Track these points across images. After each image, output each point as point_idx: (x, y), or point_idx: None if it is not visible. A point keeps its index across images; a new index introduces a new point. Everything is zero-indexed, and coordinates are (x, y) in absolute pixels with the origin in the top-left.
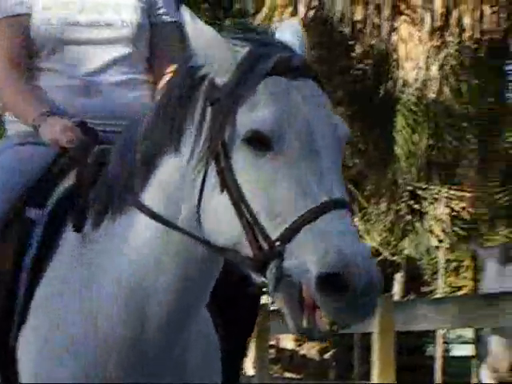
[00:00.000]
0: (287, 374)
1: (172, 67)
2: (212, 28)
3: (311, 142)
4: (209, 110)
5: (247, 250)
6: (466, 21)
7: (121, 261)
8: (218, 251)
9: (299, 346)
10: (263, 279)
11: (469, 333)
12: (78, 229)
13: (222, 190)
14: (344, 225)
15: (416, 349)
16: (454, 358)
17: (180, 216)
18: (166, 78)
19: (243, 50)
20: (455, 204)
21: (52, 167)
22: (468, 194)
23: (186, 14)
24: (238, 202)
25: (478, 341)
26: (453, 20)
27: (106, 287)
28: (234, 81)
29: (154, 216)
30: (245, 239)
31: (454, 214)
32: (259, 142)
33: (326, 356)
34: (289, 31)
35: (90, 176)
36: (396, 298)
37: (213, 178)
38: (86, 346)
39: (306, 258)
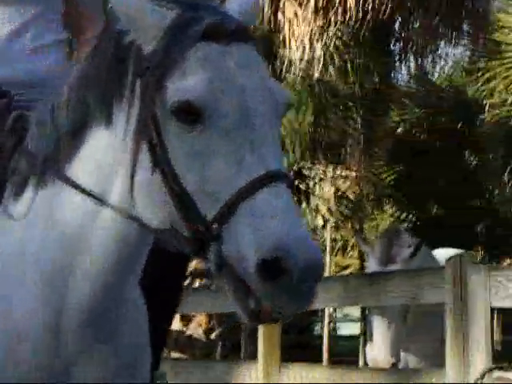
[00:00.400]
0: (174, 355)
1: (93, 30)
2: None
3: (245, 110)
4: (138, 81)
5: (183, 231)
6: (350, 0)
7: (42, 237)
8: (155, 232)
9: (185, 326)
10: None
11: (356, 312)
12: None
13: (154, 170)
14: (282, 201)
15: (304, 328)
16: (341, 336)
17: (111, 194)
18: (89, 41)
19: (171, 14)
20: (341, 183)
21: None
22: (353, 174)
23: None
24: (170, 181)
25: (364, 319)
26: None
27: (24, 266)
28: (161, 48)
29: (81, 190)
30: (180, 220)
31: (340, 193)
32: (188, 113)
33: (213, 336)
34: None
35: (8, 144)
36: None
37: (144, 156)
38: None
39: (243, 243)
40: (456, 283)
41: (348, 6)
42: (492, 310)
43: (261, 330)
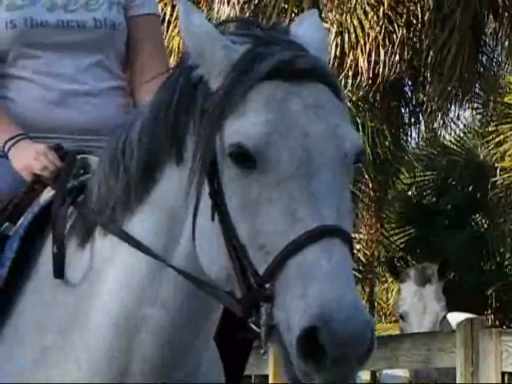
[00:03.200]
0: None
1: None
2: (208, 22)
3: (305, 158)
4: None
5: (237, 289)
6: (361, 63)
7: (111, 286)
8: (207, 290)
9: None
10: (253, 325)
11: (366, 374)
12: (60, 256)
13: (213, 217)
14: (332, 261)
15: None
16: None
17: (181, 240)
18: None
19: (241, 49)
20: None
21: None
22: (365, 236)
23: (181, 6)
24: (227, 230)
25: (374, 383)
26: (348, 61)
27: (91, 320)
28: (225, 85)
29: (144, 250)
30: (235, 274)
31: None
32: (243, 158)
33: None
34: (306, 25)
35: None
36: None
37: (205, 200)
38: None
39: (290, 309)
40: (467, 347)
41: (359, 68)
42: (503, 374)
43: None
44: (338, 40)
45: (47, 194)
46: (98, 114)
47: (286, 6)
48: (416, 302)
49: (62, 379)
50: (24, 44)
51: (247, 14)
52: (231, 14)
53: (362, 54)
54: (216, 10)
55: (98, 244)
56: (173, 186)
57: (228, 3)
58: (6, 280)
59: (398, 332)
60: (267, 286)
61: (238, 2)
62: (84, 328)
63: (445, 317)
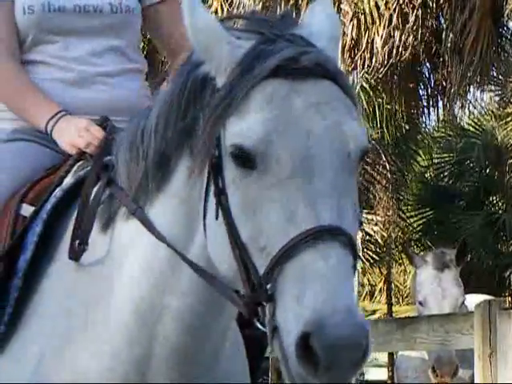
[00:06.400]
0: None
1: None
2: (214, 18)
3: (306, 158)
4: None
5: (242, 288)
6: (377, 44)
7: (131, 274)
8: (217, 287)
9: None
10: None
11: (383, 356)
12: (81, 240)
13: (217, 216)
14: (329, 262)
15: None
16: (368, 381)
17: (195, 239)
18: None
19: (247, 45)
20: (368, 227)
21: (49, 167)
22: (381, 218)
23: (186, 2)
24: (230, 230)
25: (392, 364)
26: (363, 43)
27: (112, 306)
28: (228, 84)
29: (164, 241)
30: (238, 274)
31: (367, 238)
32: (244, 158)
33: None
34: (318, 13)
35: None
36: None
37: (211, 200)
38: (89, 373)
39: (288, 312)
40: (485, 329)
41: (375, 49)
42: None
43: None
44: (354, 21)
45: (71, 176)
46: (117, 94)
47: None
48: (435, 287)
49: (88, 364)
50: (42, 29)
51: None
52: (249, 2)
53: (378, 35)
54: None
55: (120, 228)
56: (186, 179)
57: None
58: (30, 263)
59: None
60: (268, 286)
61: None
62: (105, 315)
63: (463, 302)
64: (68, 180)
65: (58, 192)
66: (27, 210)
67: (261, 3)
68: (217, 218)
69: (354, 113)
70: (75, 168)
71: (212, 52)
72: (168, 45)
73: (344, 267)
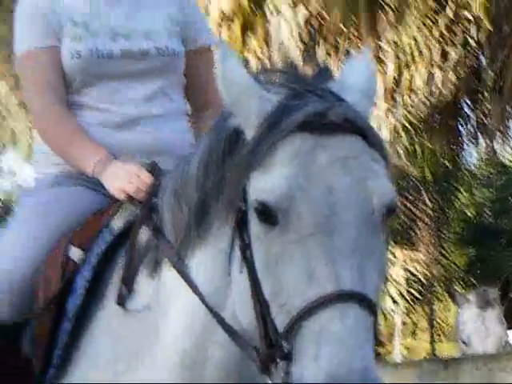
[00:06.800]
0: None
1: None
2: (244, 69)
3: (327, 215)
4: None
5: (259, 344)
6: (418, 82)
7: (174, 333)
8: (236, 341)
9: None
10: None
11: None
12: (128, 286)
13: (241, 270)
14: (346, 324)
15: None
16: None
17: (228, 291)
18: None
19: (275, 100)
20: (411, 266)
21: (98, 211)
22: (424, 256)
23: (219, 53)
24: (253, 285)
25: None
26: (404, 82)
27: (159, 354)
28: (255, 138)
29: (200, 297)
30: (257, 329)
31: (410, 276)
32: (267, 214)
33: None
34: (356, 65)
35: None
36: None
37: (237, 253)
38: None
39: (305, 372)
40: None
41: (415, 87)
42: None
43: None
44: (395, 60)
45: (118, 219)
46: (160, 136)
47: (345, 29)
48: (479, 325)
49: None
50: (88, 74)
51: (307, 37)
52: (293, 36)
53: (418, 74)
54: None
55: (165, 275)
56: (223, 230)
57: (289, 29)
58: (80, 307)
59: (457, 353)
60: (285, 344)
61: (299, 26)
62: (151, 361)
63: (507, 340)
64: (116, 223)
65: (106, 236)
66: (76, 253)
67: (300, 43)
68: (241, 271)
69: (382, 168)
70: (122, 210)
71: (242, 105)
72: (199, 95)
73: (361, 329)
